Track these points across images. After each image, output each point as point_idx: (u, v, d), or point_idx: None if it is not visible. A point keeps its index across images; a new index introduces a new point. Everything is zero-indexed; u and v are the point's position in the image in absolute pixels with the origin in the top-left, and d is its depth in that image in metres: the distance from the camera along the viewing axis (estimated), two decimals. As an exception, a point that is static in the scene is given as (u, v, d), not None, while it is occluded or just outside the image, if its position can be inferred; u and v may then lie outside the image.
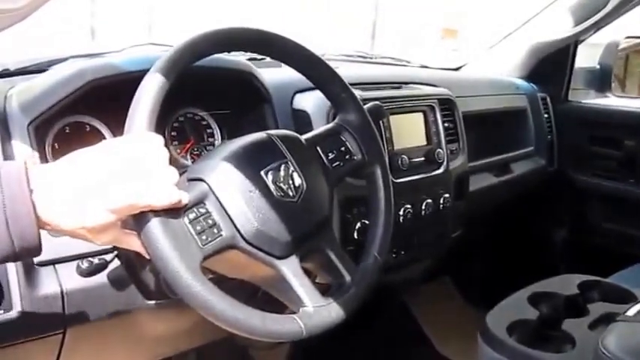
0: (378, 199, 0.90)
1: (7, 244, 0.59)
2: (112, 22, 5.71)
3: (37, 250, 0.62)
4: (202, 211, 0.70)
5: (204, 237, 0.68)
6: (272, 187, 0.76)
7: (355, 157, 0.89)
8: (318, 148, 0.86)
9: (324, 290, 0.78)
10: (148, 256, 0.67)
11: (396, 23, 7.23)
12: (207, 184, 0.72)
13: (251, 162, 0.76)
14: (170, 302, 0.91)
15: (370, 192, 0.91)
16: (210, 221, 0.70)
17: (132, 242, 0.68)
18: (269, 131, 0.83)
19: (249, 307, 0.68)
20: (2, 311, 0.79)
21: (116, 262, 0.86)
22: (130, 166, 0.63)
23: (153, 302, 0.91)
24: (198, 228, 0.69)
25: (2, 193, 0.59)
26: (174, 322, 1.01)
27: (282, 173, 0.77)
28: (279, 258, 0.74)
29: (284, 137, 0.82)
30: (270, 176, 0.76)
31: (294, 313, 0.74)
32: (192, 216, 0.69)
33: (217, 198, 0.71)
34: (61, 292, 0.83)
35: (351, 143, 0.89)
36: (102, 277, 0.85)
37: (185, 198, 0.67)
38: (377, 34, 6.99)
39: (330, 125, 0.91)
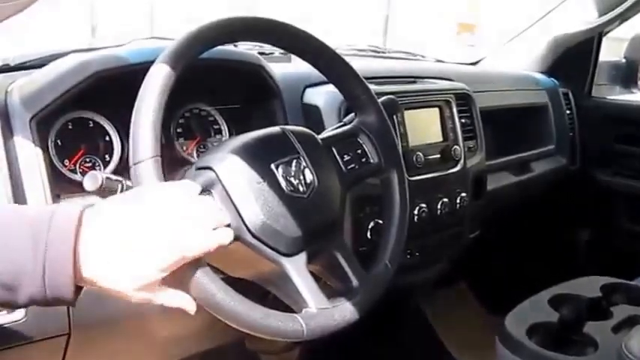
0: (393, 205, 0.88)
1: (39, 293, 0.57)
2: (112, 19, 5.75)
3: (71, 303, 0.59)
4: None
5: None
6: (282, 181, 0.74)
7: (372, 161, 0.88)
8: (334, 150, 0.85)
9: (330, 294, 0.76)
10: (187, 309, 0.64)
11: (398, 22, 7.22)
12: (215, 173, 0.71)
13: (261, 154, 0.75)
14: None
15: (385, 197, 0.89)
16: None
17: (168, 297, 0.64)
18: (284, 126, 0.81)
19: (251, 301, 0.67)
20: (7, 313, 0.78)
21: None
22: (173, 220, 0.60)
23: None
24: None
25: (46, 245, 0.56)
26: (182, 325, 0.99)
27: (293, 168, 0.76)
28: (285, 255, 0.72)
29: (299, 133, 0.81)
30: (280, 170, 0.75)
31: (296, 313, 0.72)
32: None
33: (224, 187, 0.70)
34: (65, 293, 0.81)
35: (368, 146, 0.88)
36: (106, 278, 0.83)
37: (226, 239, 0.65)
38: (371, 34, 6.95)
39: (348, 127, 0.89)
